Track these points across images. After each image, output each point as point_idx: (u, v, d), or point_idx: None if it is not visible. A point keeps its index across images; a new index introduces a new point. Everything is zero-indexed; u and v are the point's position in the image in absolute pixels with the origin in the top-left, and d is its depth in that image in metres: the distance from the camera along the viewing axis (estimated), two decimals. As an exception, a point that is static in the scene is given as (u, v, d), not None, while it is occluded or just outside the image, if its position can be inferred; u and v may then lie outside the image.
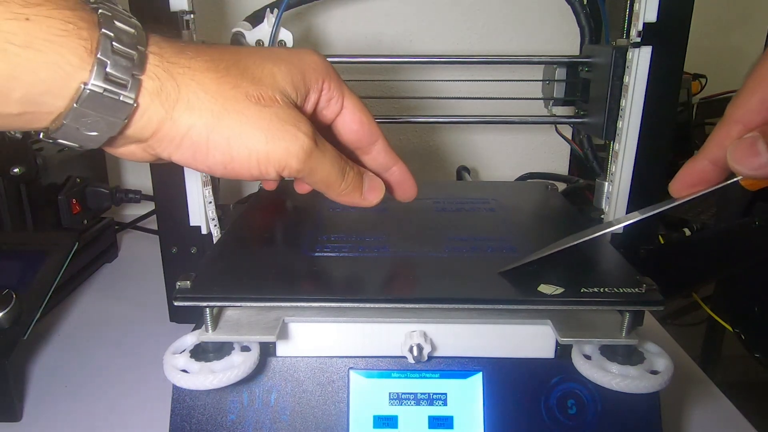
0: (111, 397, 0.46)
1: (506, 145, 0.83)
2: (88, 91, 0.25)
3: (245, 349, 0.36)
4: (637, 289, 0.35)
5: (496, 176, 0.84)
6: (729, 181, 0.31)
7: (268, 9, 0.53)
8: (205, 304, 0.34)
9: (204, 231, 0.51)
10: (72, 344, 0.54)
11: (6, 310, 0.44)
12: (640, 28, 0.46)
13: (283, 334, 0.37)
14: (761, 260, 0.54)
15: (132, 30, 0.27)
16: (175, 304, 0.34)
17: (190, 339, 0.38)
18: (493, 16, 0.77)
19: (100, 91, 0.25)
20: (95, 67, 0.25)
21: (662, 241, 0.66)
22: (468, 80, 0.63)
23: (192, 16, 0.46)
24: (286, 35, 0.52)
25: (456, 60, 0.67)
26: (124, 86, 0.26)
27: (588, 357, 0.36)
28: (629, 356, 0.36)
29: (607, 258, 0.42)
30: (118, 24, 0.26)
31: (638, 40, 0.47)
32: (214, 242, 0.50)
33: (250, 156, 0.30)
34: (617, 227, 0.38)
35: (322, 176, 0.33)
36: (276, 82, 0.31)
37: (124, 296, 0.63)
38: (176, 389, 0.36)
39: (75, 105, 0.25)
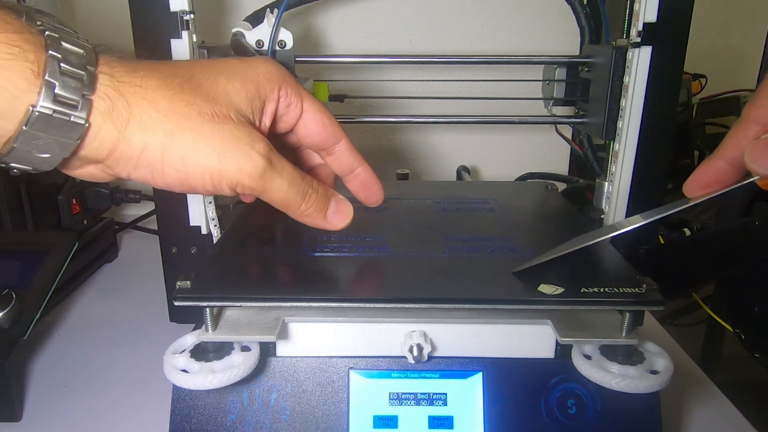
0: (111, 397, 0.46)
1: (506, 145, 0.83)
2: (37, 113, 0.25)
3: (245, 349, 0.36)
4: (637, 289, 0.35)
5: (496, 176, 0.84)
6: (745, 181, 0.31)
7: (268, 9, 0.53)
8: (205, 304, 0.34)
9: (204, 231, 0.51)
10: (72, 344, 0.54)
11: (6, 310, 0.44)
12: (640, 28, 0.46)
13: (283, 334, 0.37)
14: (761, 260, 0.54)
15: (80, 51, 0.27)
16: (175, 304, 0.34)
17: (190, 339, 0.38)
18: (493, 16, 0.77)
19: (50, 112, 0.25)
20: (43, 89, 0.25)
21: (662, 241, 0.66)
22: (468, 80, 0.63)
23: (192, 16, 0.46)
24: (286, 35, 0.52)
25: (456, 60, 0.67)
26: (74, 107, 0.26)
27: (588, 357, 0.36)
28: (629, 356, 0.36)
29: (607, 258, 0.42)
30: (65, 45, 0.26)
31: (638, 40, 0.47)
32: (214, 242, 0.50)
33: (203, 173, 0.30)
34: (641, 224, 0.37)
35: (278, 196, 0.33)
36: (230, 100, 0.31)
37: (124, 296, 0.63)
38: (176, 389, 0.36)
39: (24, 128, 0.25)
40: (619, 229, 0.37)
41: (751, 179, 0.30)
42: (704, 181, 0.32)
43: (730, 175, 0.31)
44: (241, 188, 0.31)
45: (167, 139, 0.29)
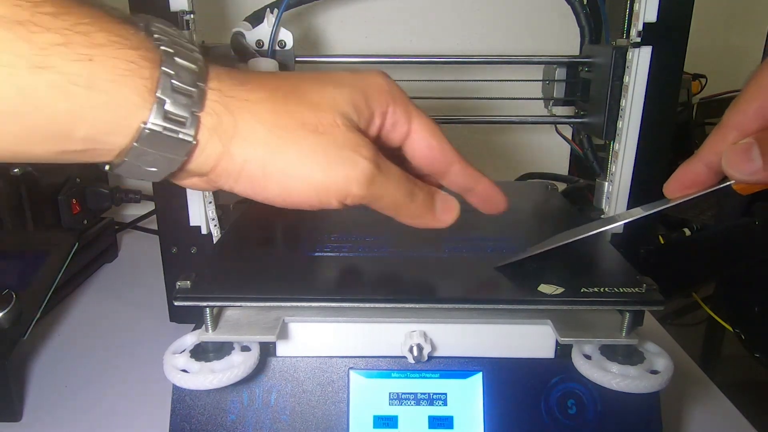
0: (111, 397, 0.46)
1: (506, 145, 0.83)
2: (147, 130, 0.25)
3: (245, 349, 0.36)
4: (637, 289, 0.35)
5: (496, 176, 0.83)
6: (722, 185, 0.32)
7: (268, 9, 0.53)
8: (205, 304, 0.34)
9: (204, 231, 0.51)
10: (72, 344, 0.54)
11: (6, 310, 0.44)
12: (640, 28, 0.46)
13: (283, 334, 0.37)
14: (761, 260, 0.54)
15: (193, 66, 0.26)
16: (175, 304, 0.34)
17: (190, 339, 0.38)
18: (493, 16, 0.77)
19: (160, 129, 0.25)
20: (155, 106, 0.25)
21: (662, 241, 0.66)
22: (468, 80, 0.63)
23: (192, 16, 0.46)
24: (286, 35, 0.52)
25: (456, 60, 0.66)
26: (182, 123, 0.26)
27: (588, 357, 0.36)
28: (629, 356, 0.36)
29: (607, 258, 0.42)
30: (179, 61, 0.26)
31: (638, 40, 0.47)
32: (214, 242, 0.50)
33: (308, 187, 0.29)
34: (613, 226, 0.38)
35: (388, 201, 0.32)
36: (336, 104, 0.30)
37: (124, 296, 0.63)
38: (176, 389, 0.36)
39: (135, 144, 0.25)
40: (598, 228, 0.38)
41: (728, 183, 0.31)
42: (683, 183, 0.33)
43: (708, 177, 0.32)
44: (351, 198, 0.30)
45: (269, 153, 0.28)
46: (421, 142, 0.34)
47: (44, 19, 0.23)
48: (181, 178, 0.29)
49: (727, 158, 0.29)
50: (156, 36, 0.27)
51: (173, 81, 0.25)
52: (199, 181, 0.30)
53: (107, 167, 0.27)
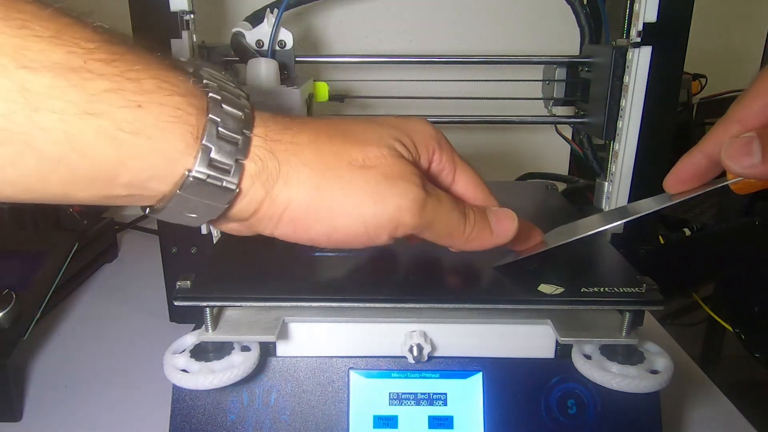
0: (111, 397, 0.46)
1: (506, 145, 0.83)
2: (191, 178, 0.25)
3: (245, 349, 0.36)
4: (637, 289, 0.35)
5: (496, 176, 0.84)
6: (720, 184, 0.32)
7: (268, 9, 0.53)
8: (205, 304, 0.34)
9: (204, 231, 0.51)
10: (72, 344, 0.54)
11: (6, 310, 0.44)
12: (640, 28, 0.46)
13: (283, 334, 0.37)
14: (761, 260, 0.54)
15: (239, 113, 0.26)
16: (175, 304, 0.34)
17: (190, 339, 0.38)
18: (493, 16, 0.77)
19: (204, 177, 0.25)
20: (200, 153, 0.25)
21: (662, 241, 0.66)
22: (468, 80, 0.63)
23: (192, 16, 0.47)
24: (286, 35, 0.52)
25: (456, 60, 0.67)
26: (227, 171, 0.26)
27: (588, 357, 0.36)
28: (629, 356, 0.36)
29: (607, 258, 0.42)
30: (226, 108, 0.26)
31: (638, 40, 0.47)
32: (214, 242, 0.50)
33: (356, 222, 0.29)
34: (613, 225, 0.38)
35: (440, 226, 0.31)
36: (383, 139, 0.30)
37: (124, 296, 0.63)
38: (176, 389, 0.36)
39: (178, 191, 0.25)
40: (593, 228, 0.37)
41: (726, 182, 0.31)
42: (683, 177, 0.33)
43: (707, 170, 0.32)
44: (402, 229, 0.30)
45: (313, 193, 0.28)
46: (466, 193, 0.34)
47: (96, 65, 0.23)
48: (220, 223, 0.29)
49: (726, 150, 0.29)
50: (205, 81, 0.26)
51: (219, 128, 0.25)
52: (238, 226, 0.30)
53: (148, 210, 0.27)
